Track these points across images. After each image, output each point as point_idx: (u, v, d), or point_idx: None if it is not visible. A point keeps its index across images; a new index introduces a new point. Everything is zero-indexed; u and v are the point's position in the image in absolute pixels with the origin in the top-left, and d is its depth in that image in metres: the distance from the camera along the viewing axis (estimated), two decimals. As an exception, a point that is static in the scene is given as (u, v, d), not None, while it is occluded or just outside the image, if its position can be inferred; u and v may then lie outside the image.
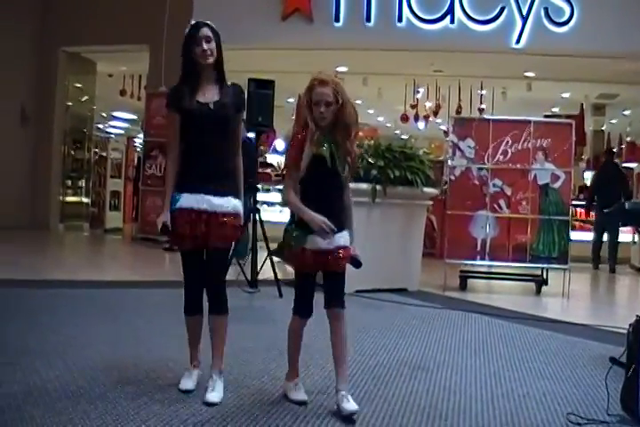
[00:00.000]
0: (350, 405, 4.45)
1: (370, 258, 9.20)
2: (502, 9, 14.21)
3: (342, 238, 4.65)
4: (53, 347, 5.90)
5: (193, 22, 5.00)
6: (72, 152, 18.14)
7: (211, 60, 4.85)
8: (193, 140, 4.90)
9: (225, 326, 4.92)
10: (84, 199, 18.85)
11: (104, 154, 20.03)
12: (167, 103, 5.07)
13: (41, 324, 6.78)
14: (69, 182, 18.27)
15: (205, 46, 4.82)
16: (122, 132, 28.50)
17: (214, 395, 4.66)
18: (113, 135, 24.49)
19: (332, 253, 4.62)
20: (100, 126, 25.39)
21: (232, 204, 4.84)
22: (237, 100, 5.00)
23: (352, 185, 9.31)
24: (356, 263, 4.75)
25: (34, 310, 7.46)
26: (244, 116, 5.03)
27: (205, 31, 4.86)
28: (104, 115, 26.60)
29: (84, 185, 18.87)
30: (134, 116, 26.36)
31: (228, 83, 4.98)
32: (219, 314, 4.88)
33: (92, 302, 8.32)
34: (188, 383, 4.90)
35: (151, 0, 15.61)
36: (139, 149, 21.13)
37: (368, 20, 14.65)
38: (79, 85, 18.56)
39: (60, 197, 17.64)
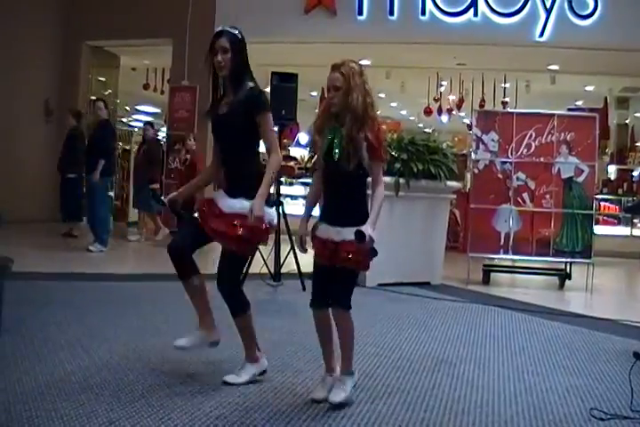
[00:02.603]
0: (334, 395, 4.54)
1: (393, 251, 9.28)
2: (526, 2, 14.16)
3: (350, 233, 4.39)
4: (77, 339, 5.94)
5: (218, 29, 4.94)
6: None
7: (224, 71, 4.86)
8: (217, 146, 5.13)
9: (246, 326, 4.98)
10: (108, 193, 18.88)
11: (127, 147, 20.05)
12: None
13: (65, 316, 6.81)
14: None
15: (220, 57, 4.81)
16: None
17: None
18: (136, 129, 24.53)
19: (339, 245, 4.48)
20: (124, 120, 25.42)
21: (242, 205, 4.77)
22: (248, 105, 4.86)
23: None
24: (373, 252, 4.47)
25: (56, 303, 7.50)
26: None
27: (222, 42, 4.82)
28: (127, 108, 26.64)
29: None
30: (158, 110, 26.38)
31: (250, 85, 4.91)
32: (233, 315, 4.96)
33: (114, 294, 8.38)
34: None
35: (174, -6, 15.63)
36: (162, 143, 21.12)
37: (391, 13, 14.63)
38: (103, 79, 18.60)
39: (84, 190, 17.66)
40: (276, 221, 5.15)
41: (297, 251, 4.99)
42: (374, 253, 4.46)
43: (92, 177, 11.65)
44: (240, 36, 4.91)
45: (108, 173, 12.09)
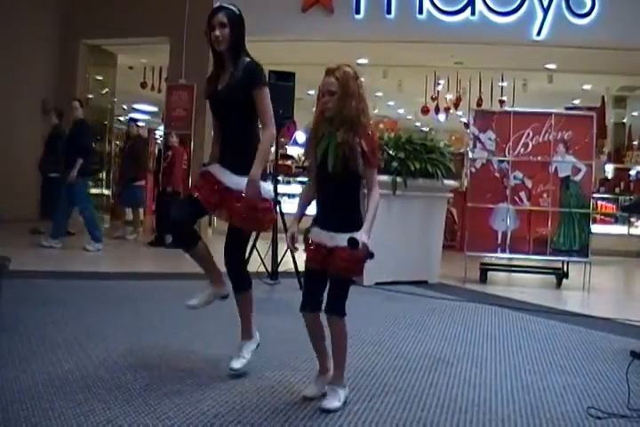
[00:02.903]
0: (329, 402, 4.49)
1: (390, 250, 9.30)
2: (523, 1, 14.16)
3: (343, 240, 4.32)
4: (75, 337, 5.93)
5: (216, 5, 5.04)
6: (93, 144, 18.17)
7: (222, 46, 4.89)
8: (217, 123, 5.15)
9: (247, 302, 5.19)
10: (105, 191, 18.91)
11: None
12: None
13: (62, 315, 6.80)
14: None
15: (217, 32, 4.86)
16: (142, 124, 28.51)
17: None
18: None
19: (332, 251, 4.40)
20: (121, 119, 25.41)
21: (244, 183, 4.83)
22: (246, 78, 4.88)
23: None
24: (369, 254, 4.35)
25: (53, 301, 7.49)
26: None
27: (220, 17, 4.90)
28: (125, 107, 26.64)
29: (104, 177, 18.92)
30: (155, 109, 26.38)
31: (247, 59, 4.96)
32: (235, 291, 5.16)
33: (111, 293, 8.37)
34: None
35: (172, -8, 15.63)
36: (159, 142, 21.13)
37: (388, 11, 14.63)
38: (100, 78, 18.58)
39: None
40: (272, 194, 5.11)
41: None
42: (370, 256, 4.36)
43: (70, 176, 11.62)
44: (238, 12, 5.00)
45: (87, 172, 12.08)
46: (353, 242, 4.24)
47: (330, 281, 4.53)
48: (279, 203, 9.32)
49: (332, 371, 4.68)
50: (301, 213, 4.77)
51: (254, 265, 8.68)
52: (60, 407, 4.14)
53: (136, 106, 27.63)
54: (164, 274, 10.15)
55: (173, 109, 15.97)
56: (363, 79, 4.54)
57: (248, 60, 4.95)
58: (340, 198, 4.51)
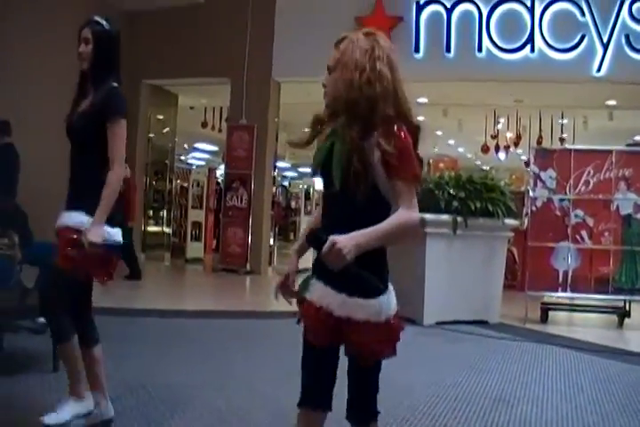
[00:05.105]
0: None
1: (451, 289, 9.28)
2: (583, 37, 14.08)
3: (362, 310, 2.85)
4: (134, 375, 5.97)
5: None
6: (154, 183, 18.38)
7: (84, 65, 4.36)
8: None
9: (70, 355, 4.41)
10: (166, 229, 19.06)
11: (185, 185, 20.29)
12: None
13: (120, 351, 6.84)
14: (151, 213, 18.50)
15: (80, 48, 4.34)
16: (203, 163, 28.81)
17: None
18: (194, 166, 24.80)
19: (343, 325, 2.88)
20: (182, 158, 25.71)
21: (79, 219, 4.22)
22: (102, 106, 4.27)
23: (431, 216, 9.28)
24: (373, 288, 2.86)
25: (112, 338, 7.54)
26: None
27: (84, 32, 4.34)
28: (186, 146, 26.95)
29: (165, 215, 19.09)
30: (215, 148, 26.67)
31: (113, 85, 4.37)
32: (54, 342, 4.53)
33: (174, 330, 8.41)
34: None
35: (232, 34, 15.78)
36: (220, 181, 21.30)
37: (448, 50, 14.65)
38: (161, 117, 18.82)
39: (142, 227, 17.83)
40: (119, 239, 4.36)
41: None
42: (372, 286, 2.85)
43: None
44: (107, 29, 4.38)
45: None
46: (316, 239, 2.76)
47: (349, 368, 3.02)
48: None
49: None
50: (303, 247, 3.31)
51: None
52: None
53: (197, 145, 27.96)
54: (229, 312, 10.18)
55: (234, 149, 16.08)
56: (389, 49, 3.12)
57: (114, 85, 4.36)
58: (339, 231, 2.74)
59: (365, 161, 2.81)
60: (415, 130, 2.97)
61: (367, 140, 2.83)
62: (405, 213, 2.80)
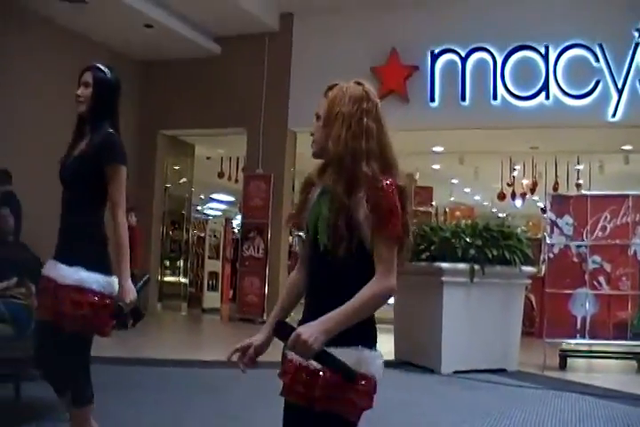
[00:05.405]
0: None
1: (468, 338, 9.21)
2: (597, 82, 14.10)
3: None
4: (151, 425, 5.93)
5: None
6: (170, 233, 18.41)
7: (81, 107, 4.31)
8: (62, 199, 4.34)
9: (86, 419, 4.14)
10: (182, 279, 19.05)
11: (202, 235, 20.32)
12: None
13: (138, 401, 6.81)
14: (168, 263, 18.51)
15: (79, 91, 4.32)
16: (219, 213, 28.88)
17: None
18: (211, 217, 24.87)
19: (315, 378, 2.64)
20: (199, 208, 25.79)
21: (78, 276, 4.02)
22: (100, 151, 4.24)
23: (448, 265, 9.26)
24: (347, 375, 2.57)
25: (130, 388, 7.51)
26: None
27: (85, 76, 4.33)
28: (202, 197, 27.03)
29: (182, 265, 19.09)
30: (232, 198, 26.74)
31: (110, 130, 4.34)
32: (72, 404, 4.14)
33: (192, 381, 8.36)
34: None
35: (247, 84, 15.89)
36: (236, 231, 21.34)
37: (463, 99, 14.71)
38: (177, 168, 18.89)
39: (159, 277, 17.83)
40: (113, 288, 4.10)
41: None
42: (345, 372, 2.57)
43: None
44: (109, 77, 4.39)
45: None
46: (281, 329, 2.62)
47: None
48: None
49: None
50: (281, 311, 3.13)
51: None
52: None
53: (213, 195, 28.04)
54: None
55: (250, 199, 16.11)
56: (377, 101, 3.07)
57: (110, 131, 4.33)
58: (337, 296, 2.65)
59: (351, 220, 2.66)
60: (400, 189, 2.75)
61: (354, 196, 2.68)
62: (379, 283, 2.63)
